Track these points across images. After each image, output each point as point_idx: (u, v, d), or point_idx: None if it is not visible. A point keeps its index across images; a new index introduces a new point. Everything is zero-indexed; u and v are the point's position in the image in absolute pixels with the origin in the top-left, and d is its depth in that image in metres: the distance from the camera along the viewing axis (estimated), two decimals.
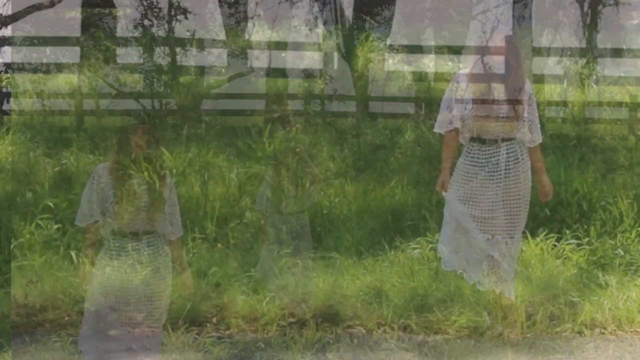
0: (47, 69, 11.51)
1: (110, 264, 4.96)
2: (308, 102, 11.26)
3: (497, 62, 5.84)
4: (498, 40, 5.91)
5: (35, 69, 11.53)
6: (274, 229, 6.77)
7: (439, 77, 11.71)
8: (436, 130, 6.08)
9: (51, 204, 7.75)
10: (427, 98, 11.13)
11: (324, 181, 7.19)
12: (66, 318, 6.22)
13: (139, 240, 4.95)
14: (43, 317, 6.27)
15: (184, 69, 11.38)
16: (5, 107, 11.00)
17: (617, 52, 12.01)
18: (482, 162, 5.78)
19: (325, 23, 12.62)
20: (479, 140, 5.78)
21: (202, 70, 11.70)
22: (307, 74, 11.69)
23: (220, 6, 12.90)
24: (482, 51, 5.91)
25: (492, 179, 5.75)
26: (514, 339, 5.77)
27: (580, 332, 5.95)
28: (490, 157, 5.76)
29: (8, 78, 11.30)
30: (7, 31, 11.45)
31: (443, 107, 5.93)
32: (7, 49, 11.70)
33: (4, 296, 6.52)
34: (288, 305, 6.25)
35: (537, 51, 11.51)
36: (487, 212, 5.75)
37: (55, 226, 7.50)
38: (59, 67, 11.53)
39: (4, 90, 11.05)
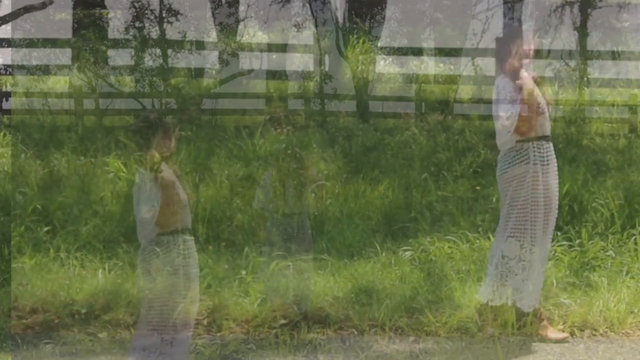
0: (38, 70, 11.50)
1: (165, 264, 4.90)
2: (300, 103, 11.27)
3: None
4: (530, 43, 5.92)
5: (27, 71, 11.52)
6: (274, 229, 6.77)
7: (431, 79, 11.73)
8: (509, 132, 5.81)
9: (39, 206, 7.74)
10: (419, 99, 11.14)
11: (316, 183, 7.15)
12: (56, 320, 6.21)
13: (182, 237, 4.94)
14: (33, 320, 6.25)
15: (176, 71, 11.37)
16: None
17: (608, 55, 12.05)
18: (541, 159, 5.79)
19: (324, 23, 12.63)
20: (542, 138, 5.78)
21: (194, 72, 11.69)
22: (302, 75, 11.70)
23: (215, 8, 12.89)
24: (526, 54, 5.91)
25: (547, 175, 5.81)
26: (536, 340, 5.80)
27: (571, 334, 5.95)
28: (548, 154, 5.81)
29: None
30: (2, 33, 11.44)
31: (502, 110, 5.76)
32: (2, 50, 11.69)
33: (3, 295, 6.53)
34: (284, 306, 6.23)
35: None
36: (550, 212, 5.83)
37: (45, 228, 7.50)
38: (51, 69, 11.52)
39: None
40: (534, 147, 5.74)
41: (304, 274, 6.48)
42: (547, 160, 5.79)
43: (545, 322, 5.87)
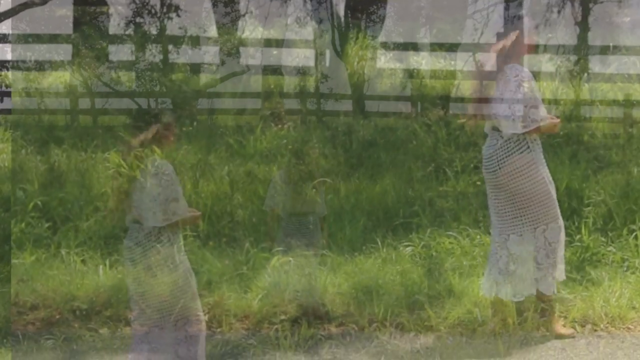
0: (39, 67, 11.49)
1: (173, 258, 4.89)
2: (301, 99, 11.26)
3: None
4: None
5: (27, 67, 11.51)
6: (288, 229, 6.78)
7: (431, 74, 11.72)
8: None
9: (40, 203, 7.74)
10: (418, 95, 11.13)
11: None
12: (57, 317, 6.21)
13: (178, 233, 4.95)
14: (34, 316, 6.26)
15: (177, 67, 11.37)
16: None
17: (608, 50, 12.04)
18: (538, 147, 5.81)
19: (320, 22, 12.62)
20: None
21: (194, 68, 11.69)
22: (300, 72, 11.69)
23: (214, 4, 12.89)
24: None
25: (543, 163, 5.83)
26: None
27: (572, 329, 5.94)
28: (539, 143, 5.82)
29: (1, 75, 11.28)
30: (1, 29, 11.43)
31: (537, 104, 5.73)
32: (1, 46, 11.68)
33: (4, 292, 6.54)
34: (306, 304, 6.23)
35: None
36: None
37: (46, 224, 7.50)
38: (51, 65, 11.51)
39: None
40: (529, 137, 5.71)
41: (315, 271, 6.47)
42: (540, 148, 5.79)
43: (553, 317, 5.85)
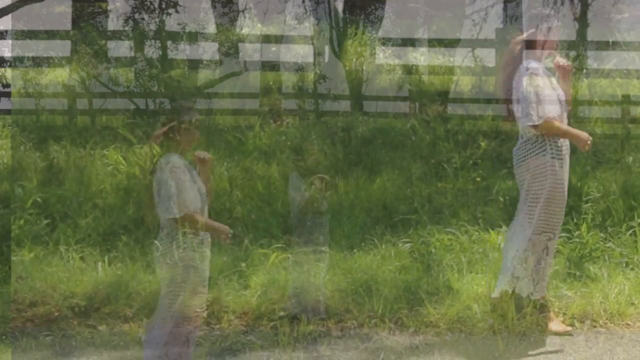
0: (37, 64, 11.47)
1: (190, 254, 4.89)
2: (299, 96, 11.24)
3: None
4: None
5: (25, 65, 11.49)
6: (302, 227, 6.76)
7: (430, 70, 11.71)
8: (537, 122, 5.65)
9: (39, 199, 7.74)
10: (417, 92, 11.11)
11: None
12: (56, 313, 6.21)
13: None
14: (33, 313, 6.26)
15: (175, 64, 11.35)
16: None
17: (607, 46, 12.02)
18: (564, 156, 5.74)
19: (319, 19, 12.60)
20: None
21: (193, 64, 11.66)
22: (299, 69, 11.67)
23: (213, 1, 12.87)
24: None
25: (562, 170, 5.74)
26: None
27: (571, 325, 5.95)
28: (564, 148, 5.75)
29: None
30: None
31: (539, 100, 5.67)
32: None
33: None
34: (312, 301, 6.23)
35: None
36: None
37: (45, 221, 7.50)
38: (49, 63, 11.48)
39: None
40: (549, 140, 5.68)
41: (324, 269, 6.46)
42: (563, 155, 5.72)
43: (549, 314, 5.85)
